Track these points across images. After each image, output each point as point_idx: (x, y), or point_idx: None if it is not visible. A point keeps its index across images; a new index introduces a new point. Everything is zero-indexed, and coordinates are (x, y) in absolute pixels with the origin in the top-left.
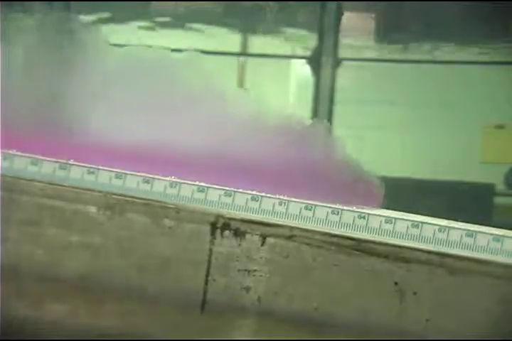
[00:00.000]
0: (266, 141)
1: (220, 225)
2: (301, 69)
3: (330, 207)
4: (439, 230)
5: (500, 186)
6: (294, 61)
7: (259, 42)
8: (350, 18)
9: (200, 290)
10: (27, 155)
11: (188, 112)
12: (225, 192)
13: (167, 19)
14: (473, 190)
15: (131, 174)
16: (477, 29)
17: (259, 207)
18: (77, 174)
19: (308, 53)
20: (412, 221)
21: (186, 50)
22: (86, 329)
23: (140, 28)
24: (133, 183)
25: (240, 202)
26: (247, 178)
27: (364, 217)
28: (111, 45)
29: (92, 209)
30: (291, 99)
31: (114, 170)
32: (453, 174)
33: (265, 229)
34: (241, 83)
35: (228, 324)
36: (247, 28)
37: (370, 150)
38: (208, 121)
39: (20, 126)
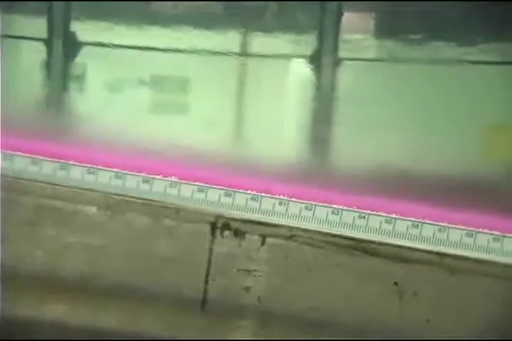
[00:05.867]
0: None
1: (220, 225)
2: (301, 69)
3: (330, 207)
4: (439, 230)
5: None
6: (294, 61)
7: (259, 42)
8: (350, 18)
9: (200, 290)
10: (27, 155)
11: None
12: (225, 192)
13: (167, 19)
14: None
15: (131, 174)
16: (478, 29)
17: (259, 207)
18: (77, 174)
19: (308, 53)
20: (412, 221)
21: (186, 50)
22: (86, 329)
23: (139, 27)
24: (133, 183)
25: (240, 202)
26: None
27: (364, 217)
28: (107, 45)
29: (92, 209)
30: (291, 99)
31: (114, 170)
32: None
33: (265, 229)
34: (241, 83)
35: (228, 323)
36: (247, 28)
37: (371, 150)
38: None
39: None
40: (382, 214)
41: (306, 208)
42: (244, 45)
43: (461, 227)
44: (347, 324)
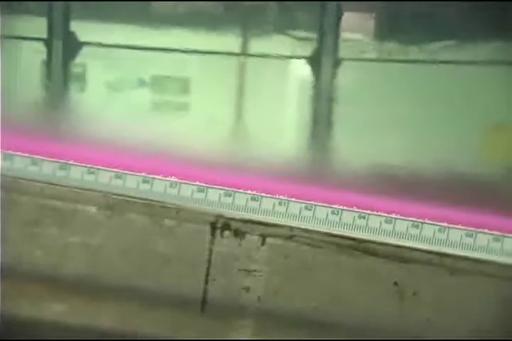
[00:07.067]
0: None
1: (220, 225)
2: (301, 69)
3: (330, 207)
4: (439, 230)
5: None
6: (294, 61)
7: (259, 42)
8: (350, 18)
9: (200, 290)
10: (27, 155)
11: None
12: (225, 192)
13: (167, 19)
14: None
15: (131, 174)
16: (477, 29)
17: (259, 207)
18: (77, 174)
19: (308, 53)
20: (412, 221)
21: (186, 50)
22: (86, 329)
23: (139, 27)
24: (133, 183)
25: (240, 202)
26: None
27: (364, 217)
28: (107, 45)
29: (92, 209)
30: (291, 99)
31: (114, 170)
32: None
33: (265, 229)
34: (241, 83)
35: (228, 323)
36: (247, 28)
37: (371, 150)
38: None
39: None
40: (382, 214)
41: (306, 208)
42: (244, 45)
43: (461, 227)
44: (347, 324)
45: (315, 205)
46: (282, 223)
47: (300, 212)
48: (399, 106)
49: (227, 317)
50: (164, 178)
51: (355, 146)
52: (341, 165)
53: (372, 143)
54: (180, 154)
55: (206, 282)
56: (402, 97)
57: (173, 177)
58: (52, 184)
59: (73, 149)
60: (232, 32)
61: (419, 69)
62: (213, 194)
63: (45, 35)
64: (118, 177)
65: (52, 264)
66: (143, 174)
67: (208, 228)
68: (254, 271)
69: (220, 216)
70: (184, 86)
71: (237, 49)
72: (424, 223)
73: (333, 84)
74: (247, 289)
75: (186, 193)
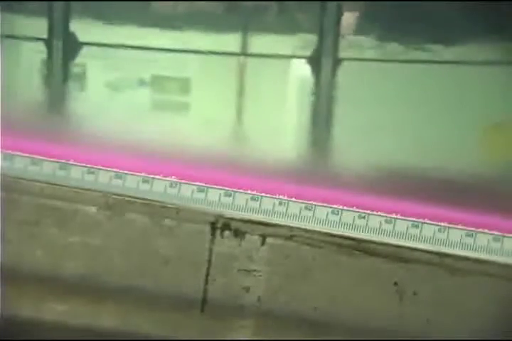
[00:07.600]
0: None
1: (220, 225)
2: (301, 69)
3: (330, 207)
4: (439, 230)
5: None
6: (294, 61)
7: (259, 42)
8: (350, 18)
9: (200, 289)
10: (27, 155)
11: None
12: (225, 192)
13: (167, 19)
14: None
15: (131, 174)
16: (477, 29)
17: (259, 207)
18: (77, 174)
19: (308, 53)
20: (412, 221)
21: (186, 50)
22: (86, 329)
23: (139, 27)
24: (133, 183)
25: (240, 202)
26: None
27: (364, 217)
28: (107, 45)
29: (92, 209)
30: (291, 99)
31: (114, 170)
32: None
33: (265, 229)
34: (241, 83)
35: (228, 323)
36: (247, 28)
37: (371, 150)
38: None
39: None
40: (382, 214)
41: (306, 208)
42: (244, 45)
43: (461, 227)
44: (347, 324)
45: (315, 205)
46: (282, 223)
47: (300, 212)
48: (399, 106)
49: (227, 317)
50: (164, 178)
51: (355, 146)
52: (341, 165)
53: (372, 142)
54: (180, 154)
55: (206, 282)
56: (402, 97)
57: (173, 177)
58: (52, 184)
59: (73, 149)
60: (232, 32)
61: (419, 69)
62: (213, 194)
63: (45, 35)
64: (118, 177)
65: (52, 264)
66: (143, 174)
67: (208, 228)
68: (254, 271)
69: (220, 216)
70: (184, 86)
71: (237, 49)
72: (424, 223)
73: (333, 84)
74: (247, 289)
75: (186, 193)
